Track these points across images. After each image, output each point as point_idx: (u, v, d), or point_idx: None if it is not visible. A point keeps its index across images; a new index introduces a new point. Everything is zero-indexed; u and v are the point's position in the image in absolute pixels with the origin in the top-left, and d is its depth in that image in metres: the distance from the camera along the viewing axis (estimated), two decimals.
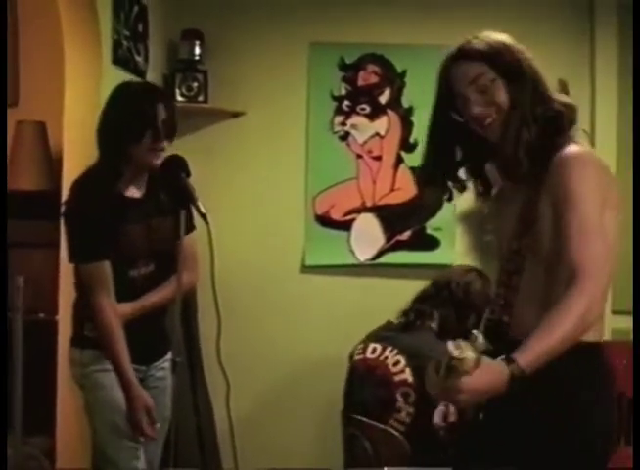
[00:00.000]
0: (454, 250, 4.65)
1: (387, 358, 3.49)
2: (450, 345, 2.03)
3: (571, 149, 2.24)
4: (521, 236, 2.27)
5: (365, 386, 3.51)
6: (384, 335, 3.63)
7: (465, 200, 4.52)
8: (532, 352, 2.05)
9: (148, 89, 3.26)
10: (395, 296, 4.53)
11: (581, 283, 2.08)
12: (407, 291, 4.46)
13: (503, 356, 2.06)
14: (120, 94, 3.19)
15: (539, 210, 2.24)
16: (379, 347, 3.56)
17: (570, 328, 2.07)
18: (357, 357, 3.62)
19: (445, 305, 3.67)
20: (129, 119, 3.07)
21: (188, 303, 4.25)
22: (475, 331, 2.10)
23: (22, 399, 3.62)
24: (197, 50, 4.57)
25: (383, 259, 4.70)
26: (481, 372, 2.01)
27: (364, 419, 3.44)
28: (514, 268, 2.29)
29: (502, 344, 2.18)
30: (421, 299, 3.75)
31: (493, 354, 2.10)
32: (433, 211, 4.66)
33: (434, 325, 3.64)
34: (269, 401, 4.71)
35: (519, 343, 2.11)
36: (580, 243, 2.12)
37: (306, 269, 4.72)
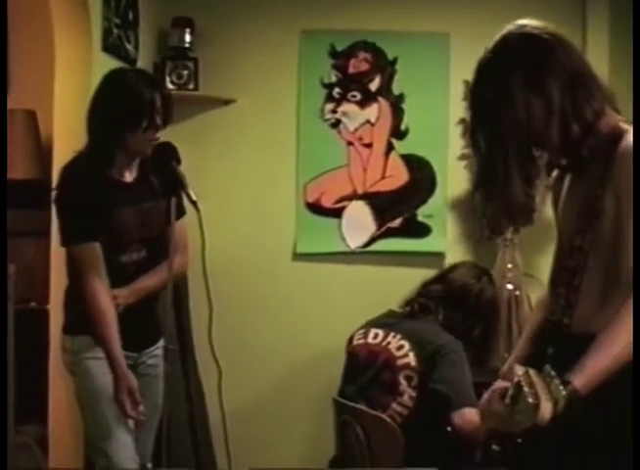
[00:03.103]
0: (445, 237, 4.66)
1: (389, 343, 3.49)
2: (524, 383, 1.97)
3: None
4: (584, 232, 2.15)
5: (367, 370, 3.50)
6: (386, 322, 3.63)
7: (456, 187, 4.57)
8: (588, 374, 1.99)
9: (145, 78, 3.23)
10: (387, 283, 4.57)
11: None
12: (398, 278, 4.49)
13: (560, 380, 1.99)
14: (117, 81, 3.17)
15: (603, 203, 2.12)
16: (381, 332, 3.56)
17: (625, 346, 2.00)
18: (358, 342, 3.61)
19: (454, 308, 3.62)
20: (128, 108, 3.07)
21: (179, 290, 4.25)
22: (548, 367, 2.02)
23: (14, 388, 3.62)
24: (187, 38, 4.55)
25: (374, 247, 4.70)
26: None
27: (357, 406, 3.45)
28: (576, 266, 2.18)
29: (562, 343, 2.16)
30: (427, 293, 3.70)
31: (553, 355, 2.09)
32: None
33: (439, 317, 3.62)
34: (261, 388, 4.71)
35: (578, 339, 2.07)
36: None
37: (297, 257, 4.72)
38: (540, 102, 2.14)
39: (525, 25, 2.21)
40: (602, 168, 2.14)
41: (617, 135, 2.15)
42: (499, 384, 2.20)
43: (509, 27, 2.22)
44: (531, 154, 2.19)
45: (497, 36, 2.22)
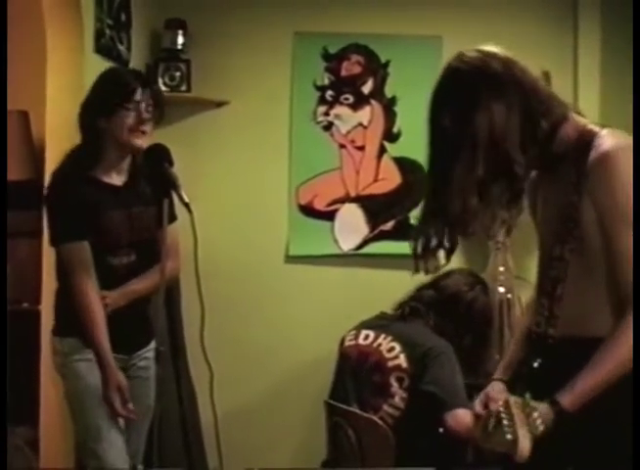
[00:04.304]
0: None
1: (380, 345, 3.49)
2: (503, 415, 1.98)
3: (607, 143, 2.08)
4: (564, 241, 2.13)
5: (357, 371, 3.51)
6: (377, 323, 3.63)
7: None
8: (578, 393, 2.00)
9: (133, 72, 3.30)
10: (379, 285, 4.57)
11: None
12: (391, 281, 4.49)
13: (548, 401, 2.01)
14: (104, 76, 3.22)
15: (581, 210, 2.09)
16: (372, 333, 3.56)
17: (619, 363, 2.01)
18: (349, 343, 3.61)
19: (445, 315, 3.61)
20: (105, 94, 3.11)
21: (171, 292, 4.24)
22: (528, 397, 2.02)
23: (6, 390, 3.62)
24: (180, 39, 4.55)
25: (366, 249, 4.70)
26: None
27: (348, 408, 3.45)
28: (557, 276, 2.16)
29: (548, 354, 2.17)
30: (419, 298, 3.68)
31: (540, 368, 2.13)
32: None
33: (430, 322, 3.61)
34: (253, 390, 4.71)
35: (564, 349, 2.10)
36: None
37: (290, 259, 4.72)
38: (499, 116, 2.10)
39: (473, 51, 2.22)
40: (575, 173, 2.10)
41: (588, 139, 2.12)
42: (490, 392, 2.21)
43: (458, 55, 2.24)
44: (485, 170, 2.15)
45: (445, 65, 2.26)
